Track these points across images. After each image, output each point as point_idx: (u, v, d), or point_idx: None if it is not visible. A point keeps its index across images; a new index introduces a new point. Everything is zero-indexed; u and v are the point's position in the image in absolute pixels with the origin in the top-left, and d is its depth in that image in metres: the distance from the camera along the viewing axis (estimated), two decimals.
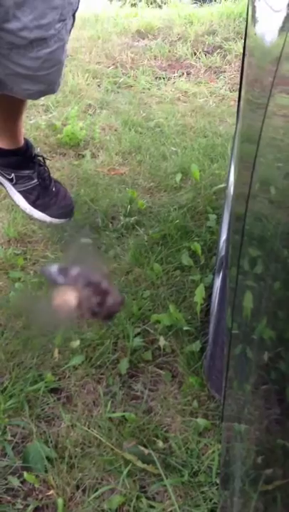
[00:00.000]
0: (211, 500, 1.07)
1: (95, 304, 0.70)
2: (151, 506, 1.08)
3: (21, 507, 1.08)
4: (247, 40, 1.36)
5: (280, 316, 0.49)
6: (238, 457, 0.59)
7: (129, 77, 3.60)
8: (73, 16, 1.23)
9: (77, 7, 1.23)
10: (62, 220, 1.72)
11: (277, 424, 0.44)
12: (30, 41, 1.14)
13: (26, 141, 1.66)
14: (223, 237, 1.45)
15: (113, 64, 3.78)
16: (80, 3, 1.25)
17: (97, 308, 0.70)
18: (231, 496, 0.60)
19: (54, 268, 0.76)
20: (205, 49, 3.99)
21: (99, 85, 3.43)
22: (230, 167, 1.74)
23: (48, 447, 1.18)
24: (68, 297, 0.70)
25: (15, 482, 1.12)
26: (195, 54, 3.94)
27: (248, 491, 0.51)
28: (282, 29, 0.78)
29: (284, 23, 0.78)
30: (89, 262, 0.78)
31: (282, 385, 0.44)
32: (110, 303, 0.71)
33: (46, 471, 1.14)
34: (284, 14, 0.81)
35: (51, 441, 1.20)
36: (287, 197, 0.54)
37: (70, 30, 1.26)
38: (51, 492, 1.10)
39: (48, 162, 1.85)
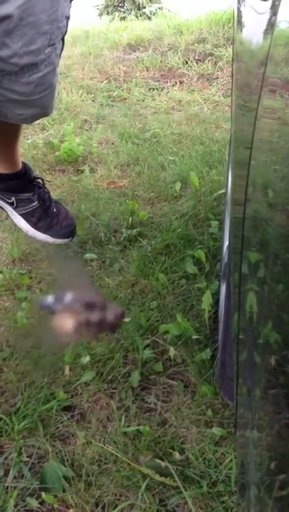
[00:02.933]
0: (231, 510, 1.06)
1: (96, 323, 0.71)
2: None
3: None
4: (235, 45, 1.36)
5: (285, 319, 0.48)
6: (252, 464, 0.58)
7: (122, 90, 3.62)
8: (62, 39, 1.25)
9: (66, 31, 1.24)
10: (65, 240, 1.73)
11: (288, 428, 0.44)
12: (21, 67, 1.15)
13: (24, 164, 1.67)
14: (226, 242, 1.45)
15: (106, 78, 3.81)
16: (68, 26, 1.26)
17: (99, 325, 0.71)
18: (248, 504, 0.59)
19: (49, 299, 0.77)
20: (196, 57, 4.01)
21: (93, 100, 3.46)
22: (228, 172, 1.74)
23: (65, 466, 1.17)
24: (65, 323, 0.71)
25: (34, 503, 1.11)
26: (186, 63, 3.96)
27: (264, 497, 0.50)
28: (266, 32, 0.78)
29: (268, 25, 0.79)
30: (81, 284, 0.78)
31: None
32: (110, 317, 0.71)
33: (64, 491, 1.13)
34: (267, 17, 0.82)
35: (67, 460, 1.19)
36: (284, 199, 0.54)
37: (60, 54, 1.27)
38: (70, 511, 1.09)
39: (47, 179, 1.85)
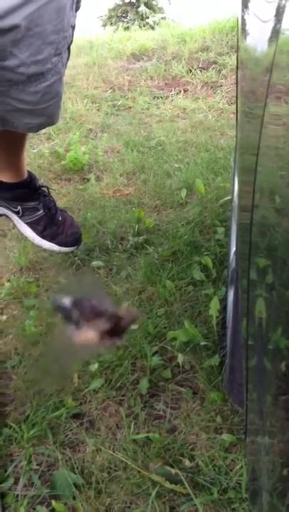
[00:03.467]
0: None
1: (112, 330, 0.71)
2: None
3: None
4: (239, 53, 1.37)
5: None
6: (264, 471, 0.58)
7: (127, 99, 3.64)
8: (68, 49, 1.26)
9: (72, 40, 1.26)
10: (71, 248, 1.73)
11: None
12: (28, 76, 1.16)
13: (30, 173, 1.68)
14: (233, 249, 1.45)
15: (111, 88, 3.83)
16: (74, 35, 1.28)
17: (115, 331, 0.71)
18: (260, 510, 0.59)
19: (66, 302, 0.75)
20: (200, 65, 4.03)
21: (98, 109, 3.48)
22: (234, 179, 1.75)
23: (75, 474, 1.17)
24: (86, 335, 0.71)
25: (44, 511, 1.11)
26: (190, 71, 3.98)
27: (276, 504, 0.50)
28: (271, 39, 0.79)
29: (272, 33, 0.79)
30: (96, 289, 0.78)
31: None
32: (125, 321, 0.71)
33: (74, 498, 1.12)
34: (272, 24, 0.82)
35: (77, 468, 1.19)
36: None
37: (66, 63, 1.28)
38: None
39: (53, 188, 1.86)
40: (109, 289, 1.72)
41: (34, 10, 1.07)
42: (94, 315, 0.71)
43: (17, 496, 1.14)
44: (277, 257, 0.58)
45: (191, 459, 1.19)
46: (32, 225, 1.72)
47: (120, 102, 3.58)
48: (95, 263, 1.86)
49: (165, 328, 1.53)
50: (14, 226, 1.81)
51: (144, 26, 7.18)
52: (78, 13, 1.27)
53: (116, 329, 0.71)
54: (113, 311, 0.72)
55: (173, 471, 1.14)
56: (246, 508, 1.06)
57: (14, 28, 1.06)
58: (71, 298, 0.75)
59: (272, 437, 0.55)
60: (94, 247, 1.95)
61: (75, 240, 1.74)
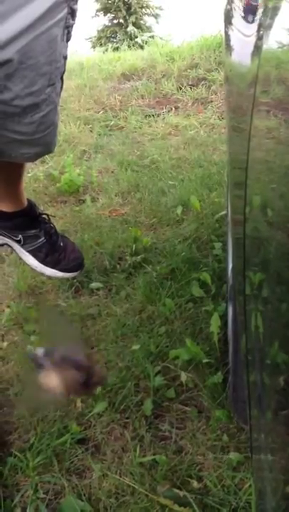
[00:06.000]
0: None
1: (80, 383, 0.74)
2: None
3: None
4: (225, 69, 1.38)
5: None
6: (268, 489, 0.57)
7: (119, 119, 3.67)
8: (61, 78, 1.28)
9: (64, 70, 1.27)
10: (73, 274, 1.73)
11: None
12: (24, 108, 1.18)
13: (29, 201, 1.68)
14: (231, 264, 1.45)
15: (102, 108, 3.87)
16: (66, 65, 1.29)
17: (83, 385, 0.74)
18: None
19: (39, 352, 0.79)
20: (190, 82, 4.07)
21: (91, 131, 3.50)
22: (228, 193, 1.75)
23: (82, 501, 1.15)
24: (53, 381, 0.73)
25: None
26: (180, 88, 4.02)
27: None
28: (254, 54, 0.80)
29: (255, 47, 0.80)
30: (71, 341, 0.81)
31: None
32: (94, 379, 0.74)
33: None
34: (254, 39, 0.83)
35: (84, 494, 1.17)
36: (283, 217, 0.54)
37: (60, 93, 1.30)
38: None
39: (50, 212, 1.86)
40: (109, 310, 1.71)
41: (26, 43, 1.09)
42: (63, 364, 0.75)
43: None
44: (270, 270, 0.58)
45: (199, 479, 1.16)
46: (34, 252, 1.71)
47: (112, 122, 3.61)
48: (93, 285, 1.85)
49: (167, 346, 1.51)
50: (12, 251, 1.80)
51: (133, 46, 7.28)
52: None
53: (85, 382, 0.74)
54: (84, 364, 0.75)
55: (181, 493, 1.12)
56: None
57: (7, 62, 1.07)
58: (43, 349, 0.79)
59: (274, 454, 0.54)
60: (92, 269, 1.94)
61: (77, 265, 1.74)
